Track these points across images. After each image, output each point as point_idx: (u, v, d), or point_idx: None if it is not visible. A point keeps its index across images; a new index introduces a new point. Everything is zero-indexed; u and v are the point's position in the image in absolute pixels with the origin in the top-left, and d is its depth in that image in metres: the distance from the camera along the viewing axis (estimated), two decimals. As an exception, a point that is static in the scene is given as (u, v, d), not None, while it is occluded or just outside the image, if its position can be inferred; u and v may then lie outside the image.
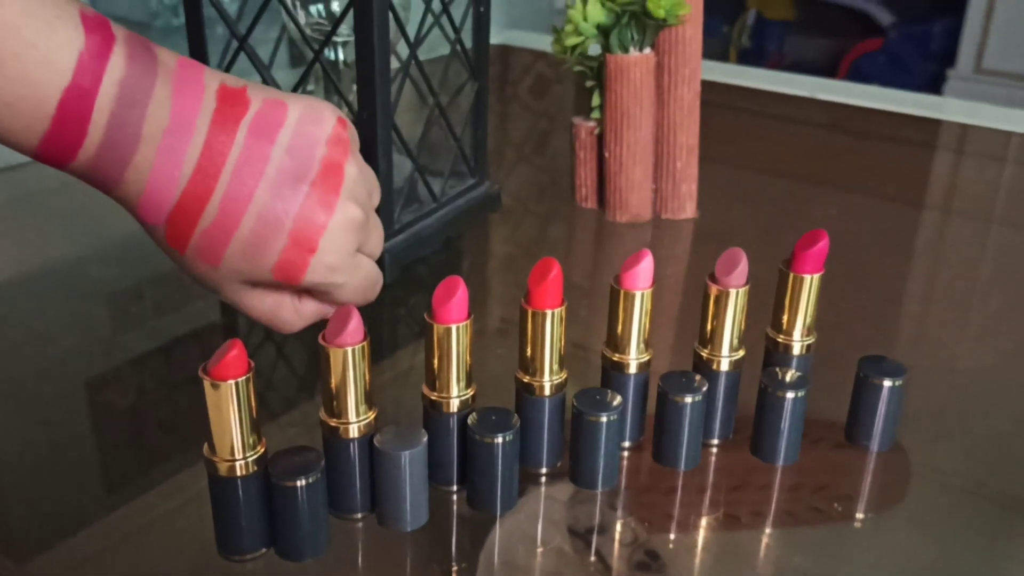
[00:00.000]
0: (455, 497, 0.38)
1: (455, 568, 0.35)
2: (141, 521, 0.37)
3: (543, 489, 0.39)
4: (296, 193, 0.38)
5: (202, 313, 0.54)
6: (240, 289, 0.39)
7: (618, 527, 0.37)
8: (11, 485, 0.40)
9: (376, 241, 0.42)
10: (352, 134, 0.41)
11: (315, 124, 0.39)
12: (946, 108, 0.95)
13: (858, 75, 2.37)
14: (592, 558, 0.36)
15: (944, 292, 0.59)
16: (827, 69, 2.47)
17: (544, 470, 0.39)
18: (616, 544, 0.37)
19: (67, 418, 0.44)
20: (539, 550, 0.36)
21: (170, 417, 0.45)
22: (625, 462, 0.41)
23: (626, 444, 0.41)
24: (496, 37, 1.15)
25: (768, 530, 0.37)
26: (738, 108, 0.94)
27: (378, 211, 0.42)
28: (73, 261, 0.60)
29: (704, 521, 0.38)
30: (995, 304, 0.57)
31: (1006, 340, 0.52)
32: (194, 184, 0.37)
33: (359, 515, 0.36)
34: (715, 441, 0.41)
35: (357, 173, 0.40)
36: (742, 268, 0.38)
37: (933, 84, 2.18)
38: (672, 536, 0.37)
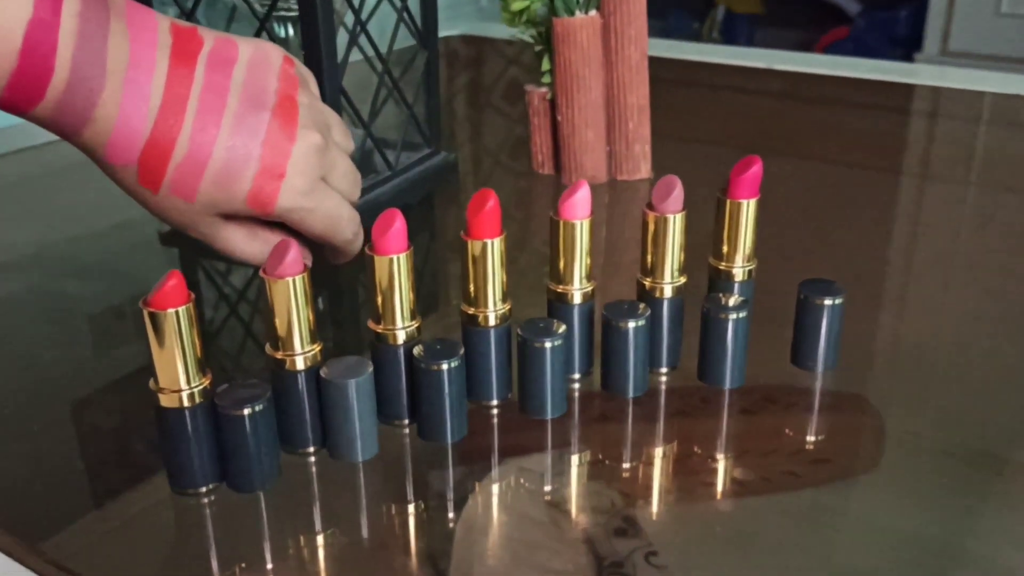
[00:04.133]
0: (407, 431, 0.39)
1: (409, 498, 0.36)
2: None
3: (495, 420, 0.40)
4: (259, 122, 0.39)
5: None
6: (214, 222, 0.41)
7: (574, 459, 0.38)
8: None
9: (342, 173, 0.43)
10: (300, 71, 0.43)
11: (264, 60, 0.41)
12: (911, 73, 0.97)
13: (827, 63, 2.39)
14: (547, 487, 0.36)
15: (905, 248, 0.60)
16: (796, 59, 2.48)
17: (495, 402, 0.40)
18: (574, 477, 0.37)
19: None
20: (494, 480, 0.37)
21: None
22: (576, 394, 0.41)
23: (575, 376, 0.41)
24: (474, 28, 1.16)
25: (720, 456, 0.38)
26: (692, 83, 0.95)
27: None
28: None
29: (657, 450, 0.38)
30: (958, 262, 0.58)
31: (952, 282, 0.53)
32: (163, 118, 0.38)
33: (311, 449, 0.37)
34: (663, 370, 0.42)
35: (309, 103, 0.41)
36: (677, 193, 0.39)
37: (900, 68, 2.20)
38: (626, 465, 0.38)
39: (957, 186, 0.67)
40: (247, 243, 0.42)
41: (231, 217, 0.41)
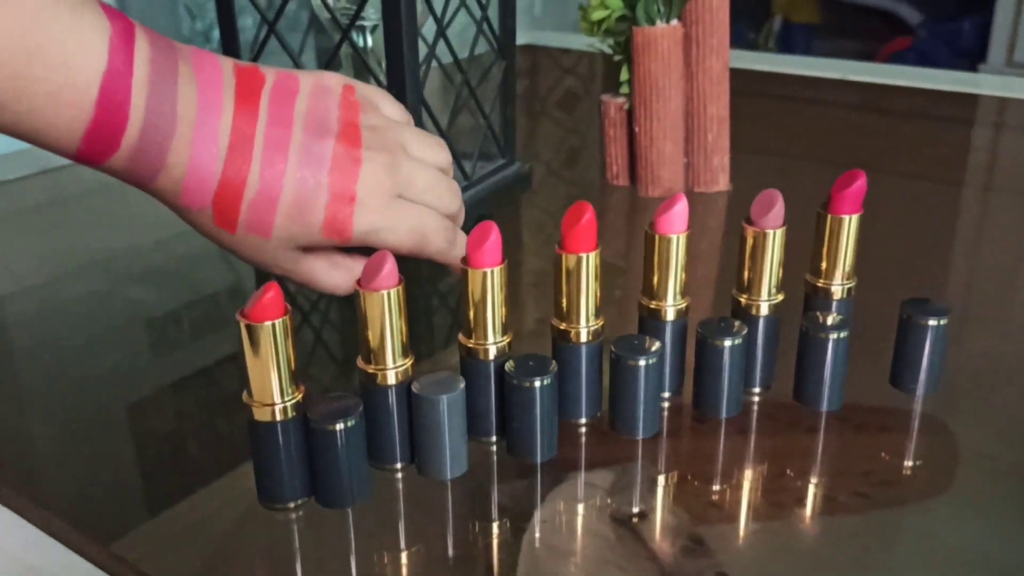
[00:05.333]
0: (495, 448, 0.38)
1: (496, 516, 0.35)
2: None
3: (583, 439, 0.39)
4: (325, 150, 0.39)
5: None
6: (294, 256, 0.41)
7: (661, 480, 0.37)
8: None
9: (423, 186, 0.43)
10: (362, 94, 0.42)
11: (325, 90, 0.41)
12: (982, 83, 0.94)
13: (888, 74, 2.35)
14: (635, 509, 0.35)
15: (987, 261, 0.58)
16: (856, 70, 2.44)
17: (583, 420, 0.39)
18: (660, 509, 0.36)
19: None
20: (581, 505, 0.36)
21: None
22: (665, 413, 0.40)
23: (666, 395, 0.40)
24: (528, 37, 1.15)
25: (814, 479, 0.36)
26: (768, 95, 0.93)
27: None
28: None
29: (749, 473, 0.37)
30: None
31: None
32: (232, 157, 0.38)
33: (399, 465, 0.36)
34: (756, 390, 0.41)
35: (373, 125, 0.41)
36: (778, 209, 0.38)
37: (965, 79, 2.16)
38: (716, 487, 0.36)
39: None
40: (329, 273, 0.42)
41: (310, 249, 0.41)
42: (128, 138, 0.36)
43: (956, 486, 0.36)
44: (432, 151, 0.45)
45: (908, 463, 0.37)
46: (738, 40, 2.69)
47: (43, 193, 0.70)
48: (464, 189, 0.58)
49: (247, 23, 0.59)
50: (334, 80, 0.42)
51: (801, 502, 0.35)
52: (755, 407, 0.40)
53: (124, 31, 0.35)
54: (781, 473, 0.36)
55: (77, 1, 0.34)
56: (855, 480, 0.36)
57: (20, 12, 0.32)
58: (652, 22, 0.59)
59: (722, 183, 0.63)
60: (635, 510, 0.35)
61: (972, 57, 2.26)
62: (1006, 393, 0.42)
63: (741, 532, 0.34)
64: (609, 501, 0.36)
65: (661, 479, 0.37)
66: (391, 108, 0.44)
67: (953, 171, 0.70)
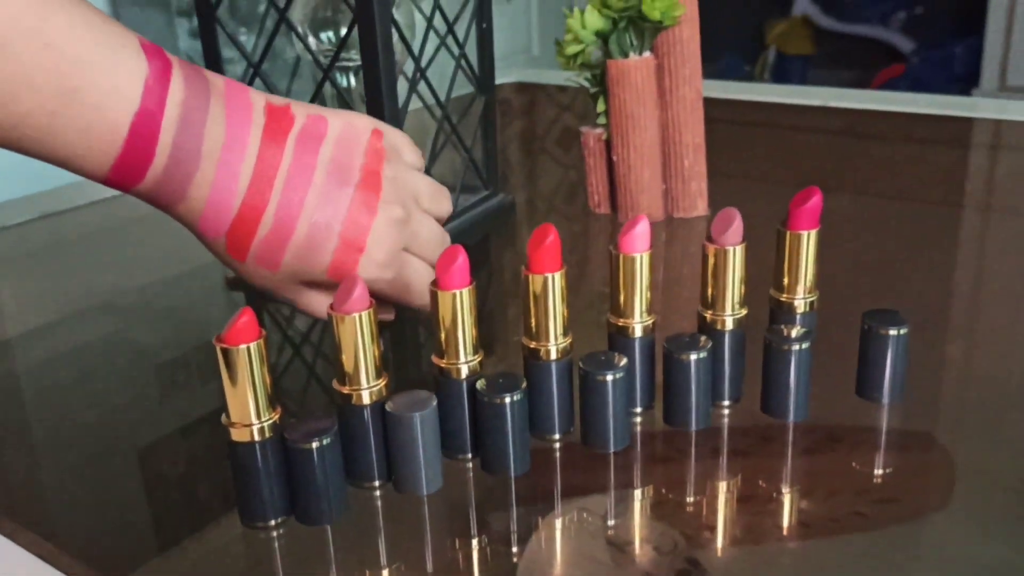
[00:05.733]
0: (470, 465, 0.39)
1: (473, 532, 0.36)
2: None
3: (557, 454, 0.40)
4: (342, 198, 0.41)
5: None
6: (297, 289, 0.43)
7: (637, 495, 0.38)
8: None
9: (425, 239, 0.44)
10: (390, 141, 0.44)
11: (353, 137, 0.42)
12: (960, 106, 0.96)
13: (882, 102, 2.37)
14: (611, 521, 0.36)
15: (955, 275, 0.59)
16: (851, 98, 2.47)
17: (557, 436, 0.40)
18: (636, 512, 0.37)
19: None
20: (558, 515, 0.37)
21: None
22: (639, 428, 0.41)
23: (637, 410, 0.41)
24: (525, 75, 1.18)
25: (786, 493, 0.37)
26: (748, 122, 0.95)
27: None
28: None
29: (721, 486, 0.38)
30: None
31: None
32: (251, 195, 0.40)
33: (377, 483, 0.37)
34: (726, 403, 0.42)
35: (394, 175, 0.43)
36: (736, 226, 0.39)
37: (958, 104, 2.18)
38: (689, 499, 0.37)
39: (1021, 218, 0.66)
40: (327, 304, 0.43)
41: (312, 283, 0.43)
42: (153, 171, 0.38)
43: (932, 496, 0.37)
44: (438, 203, 0.47)
45: (880, 473, 0.38)
46: (734, 72, 2.72)
47: (45, 237, 0.72)
48: (448, 220, 0.60)
49: (235, 54, 0.61)
50: (363, 123, 0.43)
51: (780, 520, 0.36)
52: (725, 419, 0.42)
53: (161, 71, 0.37)
54: (755, 490, 0.37)
55: (119, 43, 0.36)
56: (830, 497, 0.37)
57: (63, 55, 0.35)
58: (625, 54, 0.61)
59: (701, 208, 0.64)
60: (609, 524, 0.36)
61: (965, 82, 2.28)
62: (970, 399, 0.44)
63: (719, 550, 0.35)
64: (585, 515, 0.37)
65: (636, 494, 0.38)
66: (411, 154, 0.46)
67: (930, 191, 0.71)
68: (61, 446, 0.43)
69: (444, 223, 0.48)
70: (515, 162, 0.89)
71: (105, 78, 0.36)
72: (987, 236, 0.65)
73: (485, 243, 0.63)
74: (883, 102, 0.98)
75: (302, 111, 0.42)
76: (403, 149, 0.45)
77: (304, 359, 0.52)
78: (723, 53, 2.71)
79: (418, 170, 0.46)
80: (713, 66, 2.66)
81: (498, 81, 1.12)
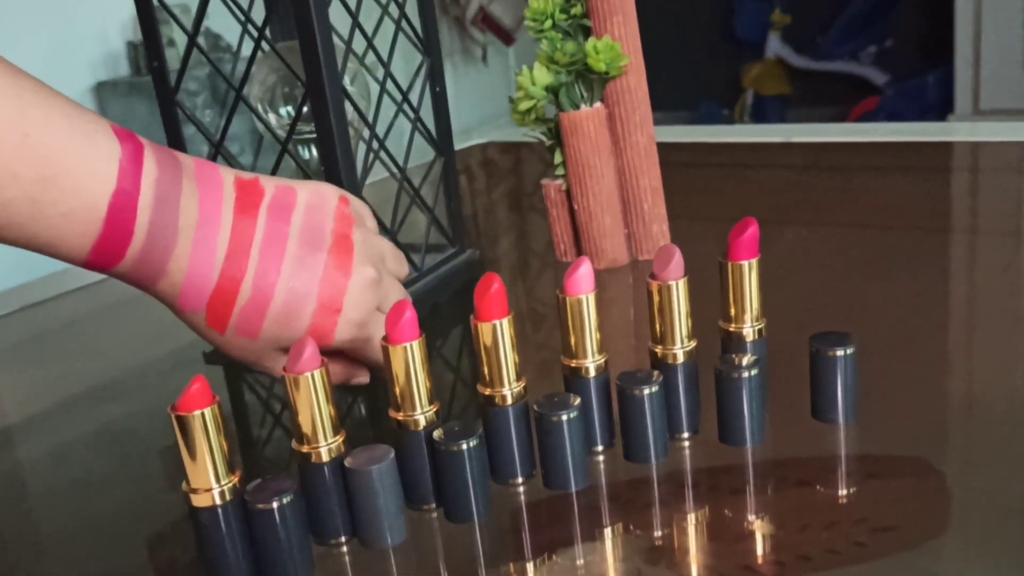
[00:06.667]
0: (435, 515, 0.40)
1: (440, 579, 0.37)
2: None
3: (521, 498, 0.40)
4: (316, 263, 0.42)
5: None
6: (277, 356, 0.44)
7: (607, 533, 0.38)
8: None
9: (395, 300, 0.46)
10: (355, 208, 0.46)
11: (321, 204, 0.44)
12: (929, 131, 0.98)
13: (860, 135, 2.41)
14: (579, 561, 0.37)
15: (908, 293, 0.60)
16: (829, 133, 2.51)
17: (520, 480, 0.41)
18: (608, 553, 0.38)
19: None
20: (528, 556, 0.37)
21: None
22: (602, 466, 0.42)
23: (599, 448, 0.42)
24: (502, 134, 1.20)
25: (750, 516, 0.38)
26: (711, 164, 0.97)
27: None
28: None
29: (690, 517, 0.39)
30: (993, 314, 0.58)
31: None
32: (228, 266, 0.41)
33: (343, 539, 0.38)
34: (685, 435, 0.42)
35: (363, 238, 0.45)
36: (677, 260, 0.41)
37: (934, 131, 2.21)
38: (658, 533, 0.38)
39: (1003, 237, 0.67)
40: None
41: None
42: (132, 250, 0.39)
43: (925, 521, 0.38)
44: (400, 265, 0.49)
45: (843, 492, 0.39)
46: (713, 118, 2.77)
47: (25, 329, 0.73)
48: (415, 280, 0.61)
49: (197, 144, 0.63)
50: (330, 191, 0.45)
51: (754, 551, 0.37)
52: (686, 452, 0.42)
53: (134, 153, 0.39)
54: (719, 520, 0.38)
55: (92, 129, 0.38)
56: (803, 533, 0.38)
57: (41, 143, 0.36)
58: (576, 106, 0.62)
59: (664, 249, 0.65)
60: (579, 562, 0.37)
61: (940, 110, 2.31)
62: (922, 413, 0.44)
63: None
64: (553, 557, 0.37)
65: (607, 532, 0.38)
66: (371, 221, 0.48)
67: (895, 218, 0.73)
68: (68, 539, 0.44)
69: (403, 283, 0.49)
70: (502, 219, 0.91)
71: (82, 163, 0.37)
72: (951, 257, 0.66)
73: (455, 299, 0.64)
74: (850, 134, 1.00)
75: (270, 183, 0.44)
76: (365, 215, 0.47)
77: (285, 426, 0.53)
78: (702, 101, 2.76)
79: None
80: (692, 113, 2.70)
81: (481, 141, 1.15)
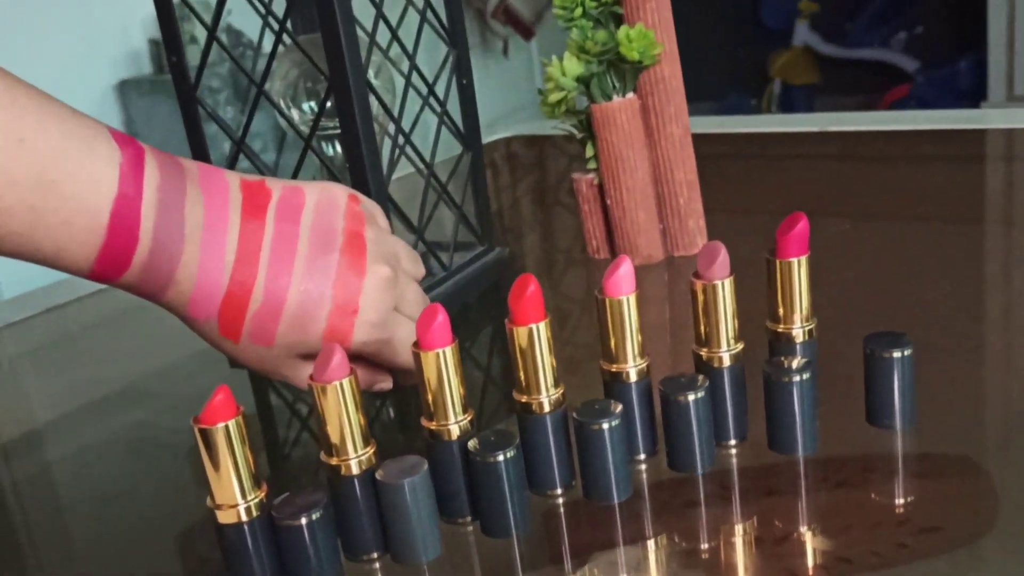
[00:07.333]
0: (471, 529, 0.38)
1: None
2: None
3: (561, 509, 0.38)
4: (329, 263, 0.41)
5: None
6: (295, 363, 0.42)
7: (651, 545, 0.36)
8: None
9: (412, 300, 0.44)
10: (366, 206, 0.44)
11: (330, 202, 0.42)
12: (969, 119, 0.95)
13: (891, 123, 2.37)
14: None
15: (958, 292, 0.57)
16: (858, 122, 2.47)
17: (559, 491, 0.39)
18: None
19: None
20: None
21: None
22: (644, 475, 0.40)
23: (641, 457, 0.40)
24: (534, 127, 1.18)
25: (803, 528, 0.36)
26: (746, 155, 0.94)
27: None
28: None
29: (737, 528, 0.37)
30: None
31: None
32: (238, 271, 0.39)
33: (375, 555, 0.36)
34: (732, 442, 0.40)
35: (376, 236, 0.43)
36: (722, 259, 0.38)
37: (967, 118, 2.17)
38: (704, 547, 0.36)
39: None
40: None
41: (310, 356, 0.42)
42: (138, 257, 0.38)
43: (972, 524, 0.36)
44: (415, 264, 0.47)
45: (899, 500, 0.37)
46: (741, 108, 2.73)
47: (51, 331, 0.72)
48: (444, 279, 0.59)
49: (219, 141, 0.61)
50: (340, 191, 0.43)
51: (805, 560, 0.35)
52: (733, 460, 0.40)
53: (134, 158, 0.38)
54: (771, 530, 0.36)
55: (90, 134, 0.37)
56: (858, 533, 0.36)
57: (37, 148, 0.35)
58: (608, 97, 0.60)
59: (700, 244, 0.63)
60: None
61: (972, 97, 2.27)
62: (984, 417, 0.42)
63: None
64: (595, 572, 0.35)
65: (651, 544, 0.36)
66: (383, 220, 0.46)
67: (938, 208, 0.70)
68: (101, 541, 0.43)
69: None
70: (528, 215, 0.89)
71: (81, 168, 0.36)
72: (1003, 250, 0.63)
73: (485, 299, 0.62)
74: (884, 122, 0.97)
75: (277, 185, 0.42)
76: (376, 214, 0.45)
77: (312, 432, 0.51)
78: (728, 90, 2.72)
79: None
80: (720, 103, 2.67)
81: (505, 135, 1.13)
